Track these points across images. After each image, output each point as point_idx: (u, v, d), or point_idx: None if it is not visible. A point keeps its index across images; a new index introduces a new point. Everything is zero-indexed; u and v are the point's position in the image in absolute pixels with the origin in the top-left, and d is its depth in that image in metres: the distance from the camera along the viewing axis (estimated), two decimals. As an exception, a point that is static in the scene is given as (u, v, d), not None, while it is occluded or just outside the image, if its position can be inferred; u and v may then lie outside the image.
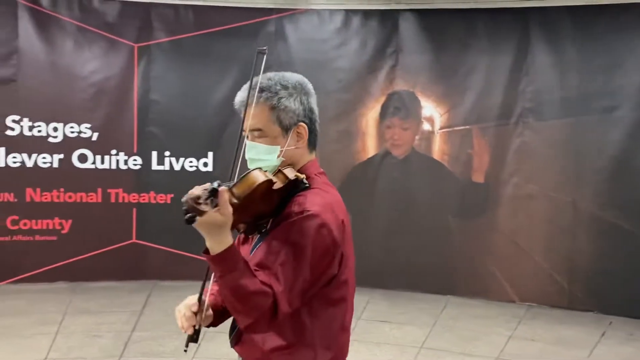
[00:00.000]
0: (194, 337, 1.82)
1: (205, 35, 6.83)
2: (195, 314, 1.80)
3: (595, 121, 6.16)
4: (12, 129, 6.50)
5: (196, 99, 6.90)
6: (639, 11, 5.96)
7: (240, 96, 1.87)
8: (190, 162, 6.94)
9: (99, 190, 6.75)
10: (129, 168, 6.83)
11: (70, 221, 6.69)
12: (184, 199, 1.57)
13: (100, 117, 6.74)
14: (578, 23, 6.21)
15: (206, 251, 1.64)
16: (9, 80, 6.46)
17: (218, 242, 1.61)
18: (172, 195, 6.86)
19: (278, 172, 1.76)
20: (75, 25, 6.62)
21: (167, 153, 6.89)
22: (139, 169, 6.87)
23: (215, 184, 1.59)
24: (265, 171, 1.72)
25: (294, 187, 1.76)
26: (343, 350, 1.87)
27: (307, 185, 1.78)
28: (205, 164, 6.95)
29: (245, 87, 1.86)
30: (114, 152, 6.79)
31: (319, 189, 1.80)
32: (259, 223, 1.78)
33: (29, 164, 6.55)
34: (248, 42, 6.81)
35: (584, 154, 6.22)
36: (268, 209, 1.75)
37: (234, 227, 1.67)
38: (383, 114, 6.84)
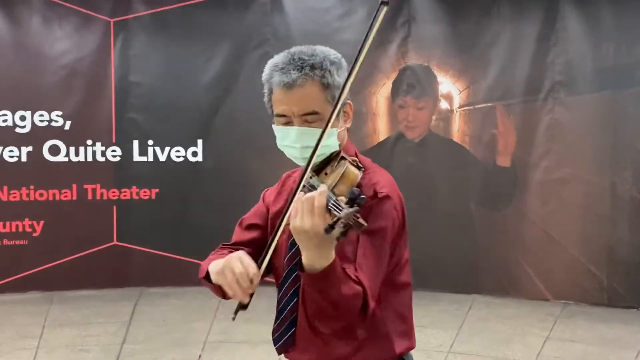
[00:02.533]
0: (246, 306, 1.76)
1: (191, 6, 6.86)
2: (252, 282, 1.73)
3: (636, 94, 6.25)
4: (-27, 119, 6.54)
5: (182, 80, 6.96)
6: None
7: (291, 76, 1.79)
8: (177, 151, 6.98)
9: (74, 186, 6.80)
10: (107, 160, 6.87)
11: (42, 222, 6.73)
12: (343, 215, 1.51)
13: (73, 103, 6.76)
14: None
15: (301, 267, 1.64)
16: (-34, 63, 6.49)
17: (326, 256, 1.59)
18: (157, 190, 6.99)
19: (342, 158, 1.77)
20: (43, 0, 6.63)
21: (150, 142, 6.94)
22: (119, 161, 6.92)
23: (356, 191, 1.53)
24: (353, 162, 1.74)
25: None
26: (411, 340, 1.94)
27: (362, 167, 1.78)
28: (195, 154, 7.00)
29: (283, 61, 1.82)
30: (89, 142, 6.82)
31: (375, 167, 1.87)
32: None
33: (-6, 157, 6.62)
34: (239, 14, 6.96)
35: (624, 131, 6.31)
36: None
37: None
38: (395, 92, 6.90)
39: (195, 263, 6.63)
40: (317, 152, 1.72)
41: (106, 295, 6.61)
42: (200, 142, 6.98)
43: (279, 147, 1.94)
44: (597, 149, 6.42)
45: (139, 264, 6.92)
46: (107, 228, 6.88)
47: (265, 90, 1.91)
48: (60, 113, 6.69)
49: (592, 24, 6.39)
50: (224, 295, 1.83)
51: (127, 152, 6.90)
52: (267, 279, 1.87)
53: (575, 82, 6.47)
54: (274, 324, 1.95)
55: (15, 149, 6.61)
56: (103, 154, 6.83)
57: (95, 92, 6.80)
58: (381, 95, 6.91)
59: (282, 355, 1.99)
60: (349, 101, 1.90)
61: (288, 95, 1.80)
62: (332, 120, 1.72)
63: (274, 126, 1.91)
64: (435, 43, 6.83)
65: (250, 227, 2.05)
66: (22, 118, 6.62)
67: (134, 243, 6.92)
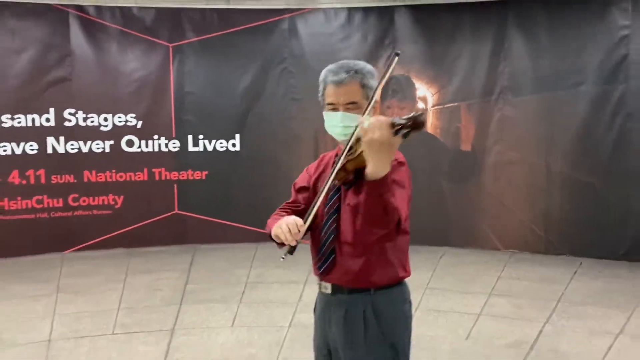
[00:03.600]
0: (293, 250, 1.92)
1: (229, 34, 7.07)
2: (299, 231, 1.90)
3: (564, 95, 6.41)
4: (69, 121, 6.81)
5: (223, 89, 7.12)
6: (600, 2, 6.24)
7: (340, 76, 2.00)
8: (221, 143, 7.22)
9: (145, 169, 7.08)
10: (169, 150, 7.13)
11: (122, 197, 7.03)
12: (386, 120, 1.67)
13: (143, 108, 7.00)
14: (549, 13, 6.45)
15: (351, 180, 1.86)
16: (64, 79, 6.75)
17: (386, 166, 1.70)
18: (207, 172, 7.22)
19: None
20: (118, 29, 6.87)
21: (200, 136, 7.18)
22: (178, 150, 7.16)
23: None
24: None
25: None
26: (408, 270, 2.10)
27: None
28: (234, 145, 7.24)
29: (336, 68, 2.03)
30: (156, 137, 7.08)
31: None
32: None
33: (85, 149, 6.88)
34: (265, 38, 7.13)
35: (555, 123, 6.47)
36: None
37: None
38: (383, 96, 6.89)
39: (235, 226, 7.19)
40: (346, 130, 1.96)
41: (169, 250, 6.93)
42: (237, 135, 7.21)
43: (326, 128, 2.09)
44: (536, 137, 6.57)
45: (193, 227, 7.18)
46: (169, 201, 7.16)
47: (320, 87, 2.09)
48: (134, 115, 6.95)
49: (531, 43, 6.52)
50: (281, 244, 1.99)
51: (183, 144, 7.13)
52: (304, 240, 1.95)
53: (519, 87, 6.61)
54: (316, 258, 2.09)
55: (100, 142, 6.89)
56: (166, 145, 7.08)
57: (159, 99, 7.03)
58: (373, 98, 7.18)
59: (321, 280, 2.12)
60: (379, 100, 2.05)
61: (337, 89, 2.00)
62: (368, 109, 1.94)
63: (324, 112, 2.07)
64: (413, 58, 6.95)
65: (300, 189, 2.22)
66: (105, 119, 6.89)
67: (190, 212, 7.19)
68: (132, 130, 7.04)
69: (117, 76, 6.96)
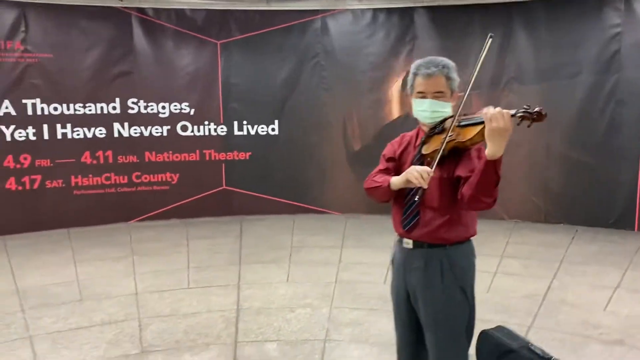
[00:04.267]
0: (424, 191, 2.07)
1: (269, 32, 7.22)
2: (429, 176, 2.05)
3: (563, 84, 6.56)
4: (132, 109, 7.02)
5: (264, 81, 7.28)
6: (596, 3, 6.38)
7: (431, 70, 2.17)
8: (262, 128, 7.40)
9: (197, 151, 7.28)
10: (217, 134, 7.32)
11: (177, 175, 7.25)
12: (503, 112, 1.90)
13: (195, 98, 7.18)
14: (549, 13, 6.58)
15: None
16: (128, 73, 6.94)
17: (503, 148, 1.91)
18: (250, 153, 7.42)
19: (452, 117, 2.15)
20: (173, 29, 7.04)
21: (244, 122, 7.37)
22: (225, 134, 7.34)
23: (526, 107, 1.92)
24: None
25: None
26: (476, 230, 2.27)
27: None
28: (273, 129, 7.41)
29: (426, 63, 2.20)
30: (206, 123, 7.27)
31: None
32: None
33: (146, 133, 7.09)
34: (300, 36, 7.28)
35: (555, 108, 6.46)
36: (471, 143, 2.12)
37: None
38: (403, 86, 7.15)
39: (274, 200, 7.42)
40: (446, 115, 2.13)
41: (220, 220, 7.15)
42: (276, 121, 7.38)
43: (414, 113, 2.23)
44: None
45: (239, 200, 7.40)
46: (218, 178, 7.36)
47: (410, 78, 2.24)
48: (187, 104, 7.13)
49: (534, 39, 6.66)
50: (387, 199, 2.21)
51: (230, 129, 7.32)
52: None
53: (523, 77, 6.74)
54: (403, 217, 2.22)
55: (159, 127, 7.09)
56: (215, 130, 7.27)
57: (209, 90, 7.19)
58: (395, 88, 7.25)
59: (402, 237, 2.24)
60: (457, 91, 2.23)
61: (427, 81, 2.16)
62: (463, 100, 2.13)
63: (413, 99, 2.21)
64: (431, 53, 6.92)
65: (389, 159, 2.37)
66: (163, 107, 7.08)
67: (236, 187, 7.41)
68: (186, 117, 7.23)
69: (172, 70, 7.12)
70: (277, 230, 6.71)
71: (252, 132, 7.43)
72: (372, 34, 7.26)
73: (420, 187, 2.06)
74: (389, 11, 7.20)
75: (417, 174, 2.05)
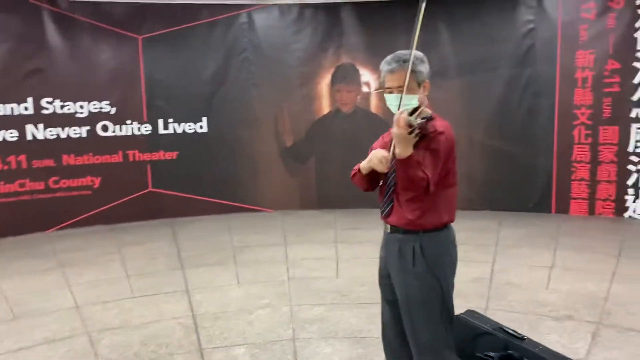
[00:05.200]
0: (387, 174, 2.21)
1: (194, 27, 6.99)
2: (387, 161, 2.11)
3: (483, 78, 6.90)
4: (47, 109, 6.50)
5: (190, 77, 7.03)
6: (511, 0, 6.77)
7: (391, 66, 2.24)
8: (189, 126, 7.14)
9: (120, 152, 6.90)
10: (142, 133, 6.97)
11: (99, 178, 6.82)
12: (405, 118, 1.95)
13: (116, 96, 6.79)
14: (469, 9, 6.89)
15: (393, 157, 2.06)
16: (40, 70, 6.41)
17: (410, 150, 2.00)
18: (177, 152, 7.13)
19: (420, 109, 2.12)
20: (90, 23, 6.59)
21: (170, 120, 7.07)
22: (149, 134, 7.01)
23: (422, 120, 2.01)
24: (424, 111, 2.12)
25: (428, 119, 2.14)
26: (453, 217, 2.34)
27: (432, 116, 2.18)
28: (201, 127, 7.18)
29: (389, 59, 2.27)
30: (129, 122, 6.90)
31: (438, 118, 2.25)
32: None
33: (63, 135, 6.61)
34: (227, 31, 7.11)
35: (476, 101, 6.94)
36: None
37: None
38: (333, 81, 7.30)
39: (206, 200, 7.19)
40: (402, 105, 2.14)
41: (149, 224, 6.84)
42: (204, 119, 7.15)
43: (388, 106, 2.29)
44: (460, 113, 6.90)
45: (167, 202, 7.10)
46: (144, 179, 7.03)
47: (381, 75, 2.32)
48: (107, 102, 6.73)
49: (455, 34, 6.95)
50: (365, 186, 2.30)
51: (155, 128, 7.00)
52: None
53: (446, 72, 6.97)
54: (381, 204, 2.31)
55: (77, 128, 6.63)
56: (139, 129, 6.92)
57: (130, 87, 6.84)
58: (324, 83, 7.30)
59: (384, 221, 2.31)
60: (427, 80, 2.28)
61: (391, 77, 2.25)
62: (404, 90, 2.14)
63: (385, 94, 2.28)
64: (358, 48, 7.20)
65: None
66: (81, 107, 6.63)
67: (164, 189, 7.11)
68: (107, 116, 6.82)
69: (90, 67, 6.70)
70: (212, 231, 6.51)
71: (179, 131, 7.16)
72: (299, 29, 7.25)
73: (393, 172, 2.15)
74: (316, 7, 7.21)
75: (376, 160, 2.14)
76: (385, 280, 2.40)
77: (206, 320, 3.90)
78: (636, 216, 6.49)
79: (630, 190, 6.50)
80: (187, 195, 7.21)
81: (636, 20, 6.25)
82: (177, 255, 5.57)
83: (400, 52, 2.28)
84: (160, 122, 7.07)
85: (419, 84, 2.27)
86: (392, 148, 2.12)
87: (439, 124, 2.20)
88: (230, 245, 5.86)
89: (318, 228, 6.50)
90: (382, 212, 2.34)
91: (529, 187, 6.96)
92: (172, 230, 6.60)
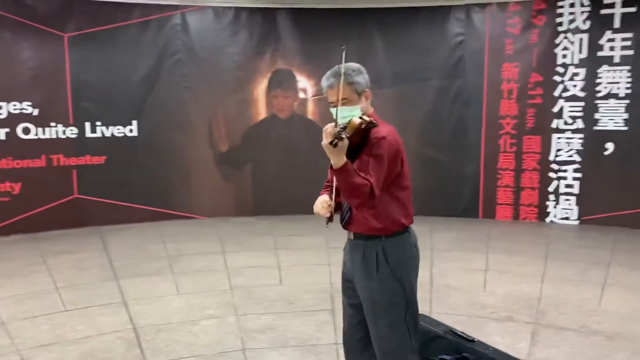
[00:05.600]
0: (330, 219, 2.23)
1: (125, 26, 6.71)
2: (329, 205, 2.24)
3: (416, 88, 7.12)
4: (-40, 109, 6.02)
5: (120, 78, 6.75)
6: (444, 12, 7.02)
7: (330, 82, 2.26)
8: (118, 129, 6.84)
9: (43, 156, 6.50)
10: (67, 137, 6.60)
11: (19, 184, 6.37)
12: (330, 131, 2.02)
13: (39, 96, 6.40)
14: (402, 20, 7.08)
15: (331, 167, 2.08)
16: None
17: (341, 159, 2.03)
18: (105, 157, 6.81)
19: (361, 118, 2.20)
20: (11, 18, 6.16)
21: (98, 123, 6.74)
22: (76, 137, 6.65)
23: (340, 126, 2.06)
24: (360, 117, 2.19)
25: (370, 125, 2.20)
26: (410, 219, 2.35)
27: (376, 123, 2.21)
28: (131, 130, 6.89)
29: (327, 75, 2.28)
30: (53, 124, 6.51)
31: (383, 124, 2.29)
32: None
33: (-22, 138, 6.14)
34: (159, 31, 6.89)
35: (409, 110, 7.13)
36: (359, 140, 2.20)
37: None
38: (270, 87, 7.24)
39: (136, 207, 6.90)
40: (339, 118, 2.16)
41: (75, 233, 6.48)
42: (135, 122, 6.88)
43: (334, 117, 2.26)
44: (394, 120, 6.82)
45: (94, 210, 6.75)
46: (69, 185, 6.66)
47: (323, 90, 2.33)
48: (29, 103, 6.33)
49: (390, 44, 7.12)
50: (329, 219, 2.25)
51: (81, 131, 6.65)
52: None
53: (381, 81, 7.08)
54: (341, 213, 2.33)
55: None
56: (63, 132, 6.54)
57: (55, 87, 6.47)
58: (261, 88, 7.22)
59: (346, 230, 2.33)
60: (368, 89, 2.31)
61: (330, 92, 2.27)
62: (339, 102, 2.17)
63: (330, 108, 2.27)
64: (295, 54, 7.20)
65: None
66: None
67: (90, 195, 6.75)
68: (29, 117, 6.41)
69: (9, 65, 6.28)
70: (144, 239, 6.26)
71: (107, 134, 6.84)
72: (234, 32, 7.15)
73: (326, 217, 2.24)
74: (252, 11, 7.14)
75: (319, 206, 2.26)
76: (349, 284, 2.41)
77: (148, 332, 3.73)
78: (557, 221, 6.91)
79: (551, 197, 6.91)
80: (116, 202, 6.89)
81: (556, 37, 6.67)
82: (109, 265, 5.30)
83: (337, 67, 2.30)
84: (88, 125, 6.73)
85: (359, 94, 2.30)
86: (332, 191, 2.25)
87: (383, 130, 2.23)
88: (165, 254, 5.65)
89: (256, 235, 6.41)
90: (341, 221, 2.36)
91: (458, 193, 7.23)
92: (101, 238, 6.28)
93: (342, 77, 2.22)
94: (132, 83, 6.85)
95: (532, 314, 3.98)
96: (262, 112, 7.33)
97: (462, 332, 3.02)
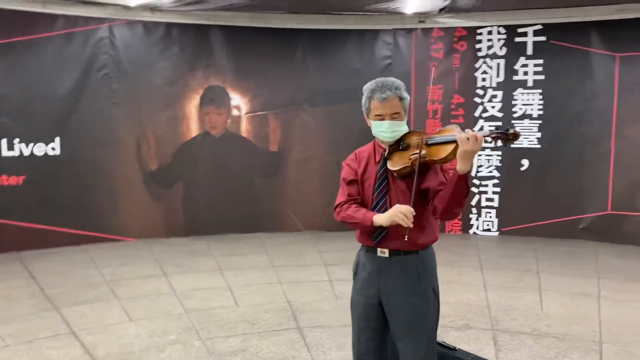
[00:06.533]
0: (409, 230, 2.17)
1: (47, 37, 6.29)
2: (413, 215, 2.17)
3: (347, 107, 7.18)
4: None
5: (42, 92, 6.28)
6: (373, 35, 7.31)
7: (386, 94, 2.28)
8: (39, 147, 6.34)
9: None
10: None
11: None
12: (480, 137, 2.05)
13: None
14: (334, 41, 7.29)
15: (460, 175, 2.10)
16: None
17: (471, 165, 2.10)
18: (24, 177, 6.28)
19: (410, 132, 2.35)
20: None
21: (16, 140, 6.20)
22: None
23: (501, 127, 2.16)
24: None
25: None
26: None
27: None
28: (53, 148, 6.42)
29: (379, 87, 2.30)
30: None
31: None
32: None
33: None
34: (85, 44, 6.52)
35: (342, 128, 7.21)
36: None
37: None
38: (202, 103, 7.08)
39: (59, 230, 6.43)
40: (390, 132, 2.28)
41: (-11, 260, 5.96)
42: (57, 139, 6.41)
43: (374, 133, 2.37)
44: (327, 139, 7.31)
45: (12, 234, 6.18)
46: (-18, 208, 6.04)
47: (365, 101, 2.36)
48: (-62, 118, 5.74)
49: (323, 65, 7.30)
50: (365, 234, 2.29)
51: (-3, 148, 6.09)
52: None
53: (314, 99, 7.29)
54: (371, 231, 2.30)
55: None
56: (-24, 150, 5.97)
57: (-33, 101, 5.87)
58: (193, 105, 7.04)
59: (376, 247, 2.31)
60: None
61: (383, 104, 2.29)
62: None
63: (372, 121, 2.34)
64: (228, 71, 7.10)
65: (351, 182, 2.43)
66: None
67: (7, 218, 6.18)
68: (-64, 134, 5.77)
69: None
70: (73, 264, 5.85)
71: (27, 152, 6.33)
72: (165, 48, 6.94)
73: (408, 227, 2.17)
74: (183, 27, 6.98)
75: (402, 216, 2.17)
76: (374, 307, 2.37)
77: (111, 364, 3.50)
78: (479, 232, 7.38)
79: (474, 210, 7.38)
80: (37, 226, 6.37)
81: (476, 62, 7.19)
82: (42, 293, 4.90)
83: (385, 80, 2.35)
84: (4, 142, 6.19)
85: (405, 111, 2.36)
86: (412, 194, 2.21)
87: None
88: (101, 279, 5.32)
89: (194, 256, 6.22)
90: (374, 239, 2.33)
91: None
92: (22, 265, 5.78)
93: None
94: (55, 98, 6.40)
95: (487, 320, 4.23)
96: (194, 130, 7.15)
97: (442, 342, 3.15)
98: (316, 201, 7.43)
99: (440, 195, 2.22)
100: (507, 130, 2.12)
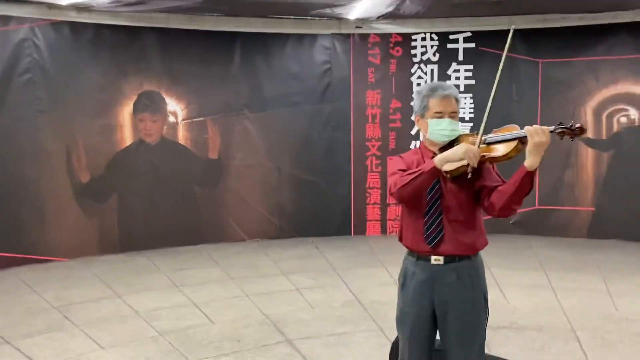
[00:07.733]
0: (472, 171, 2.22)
1: None
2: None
3: (289, 112, 7.26)
4: None
5: None
6: (312, 40, 7.33)
7: (448, 91, 2.32)
8: None
9: None
10: None
11: None
12: (578, 126, 2.06)
13: None
14: (273, 46, 7.22)
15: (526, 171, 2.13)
16: None
17: (539, 160, 2.11)
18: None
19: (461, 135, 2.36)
20: None
21: None
22: None
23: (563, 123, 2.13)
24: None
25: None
26: None
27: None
28: None
29: (440, 85, 2.36)
30: None
31: None
32: None
33: None
34: (3, 47, 5.95)
35: (283, 134, 7.25)
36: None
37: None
38: (136, 110, 6.71)
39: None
40: (449, 130, 2.28)
41: None
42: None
43: (430, 133, 2.32)
44: (269, 145, 7.22)
45: None
46: None
47: (422, 99, 2.35)
48: None
49: (262, 69, 7.17)
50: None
51: None
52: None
53: (255, 104, 7.16)
54: (426, 234, 2.29)
55: None
56: None
57: None
58: (126, 112, 6.65)
59: (430, 255, 2.30)
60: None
61: (444, 101, 2.31)
62: (484, 123, 2.25)
63: (429, 120, 2.31)
64: (163, 75, 6.78)
65: (403, 171, 2.31)
66: None
67: None
68: None
69: None
70: (4, 291, 5.30)
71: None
72: (95, 51, 6.51)
73: (471, 167, 2.19)
74: (114, 28, 6.57)
75: (471, 154, 2.17)
76: (428, 319, 2.36)
77: (101, 398, 3.22)
78: (419, 232, 7.65)
79: (413, 210, 7.63)
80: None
81: (412, 67, 7.47)
82: (-10, 325, 4.39)
83: (443, 82, 2.47)
84: None
85: (457, 115, 2.40)
86: (478, 143, 2.23)
87: None
88: (47, 305, 4.87)
89: (141, 274, 5.86)
90: (429, 243, 2.31)
91: (331, 212, 7.55)
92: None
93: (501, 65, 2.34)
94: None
95: (465, 318, 4.40)
96: (128, 138, 6.74)
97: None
98: (261, 208, 7.35)
99: (500, 190, 2.23)
100: (572, 125, 2.11)
